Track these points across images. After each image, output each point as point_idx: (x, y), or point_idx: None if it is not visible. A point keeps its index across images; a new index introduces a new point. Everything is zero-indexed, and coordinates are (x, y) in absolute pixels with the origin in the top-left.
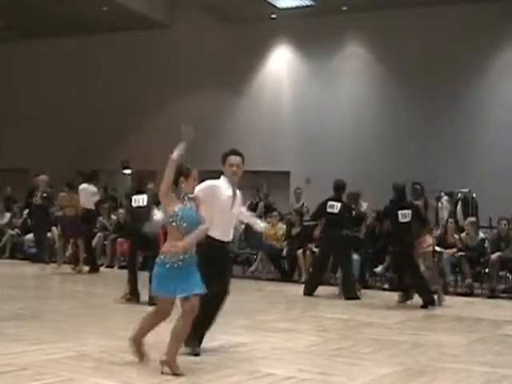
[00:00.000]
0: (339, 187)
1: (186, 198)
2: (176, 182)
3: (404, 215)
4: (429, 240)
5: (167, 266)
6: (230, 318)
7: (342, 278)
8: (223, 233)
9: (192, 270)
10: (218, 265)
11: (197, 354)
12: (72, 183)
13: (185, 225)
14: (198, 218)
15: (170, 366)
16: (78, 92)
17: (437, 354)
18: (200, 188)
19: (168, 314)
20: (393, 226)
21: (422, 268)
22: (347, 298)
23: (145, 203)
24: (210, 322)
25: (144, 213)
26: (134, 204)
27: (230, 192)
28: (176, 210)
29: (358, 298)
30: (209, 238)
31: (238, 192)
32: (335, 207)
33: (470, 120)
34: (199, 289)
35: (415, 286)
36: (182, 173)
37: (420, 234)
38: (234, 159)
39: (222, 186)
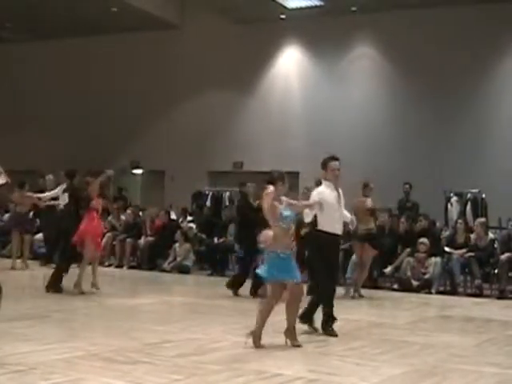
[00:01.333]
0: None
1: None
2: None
3: None
4: None
5: (281, 255)
6: (238, 319)
7: None
8: (336, 227)
9: (294, 261)
10: (330, 256)
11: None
12: (24, 183)
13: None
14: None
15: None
16: (88, 93)
17: (447, 354)
18: (313, 197)
19: (279, 298)
20: None
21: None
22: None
23: None
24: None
25: None
26: None
27: (335, 193)
28: (281, 212)
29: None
30: (324, 232)
31: (340, 191)
32: None
33: (480, 120)
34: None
35: None
36: (276, 179)
37: None
38: (335, 164)
39: (327, 190)
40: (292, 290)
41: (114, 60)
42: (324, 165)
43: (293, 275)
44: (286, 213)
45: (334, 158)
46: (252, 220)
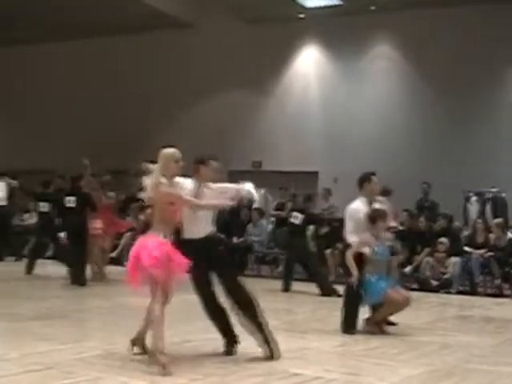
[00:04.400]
0: None
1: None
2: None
3: None
4: None
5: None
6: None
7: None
8: None
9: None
10: None
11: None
12: (50, 182)
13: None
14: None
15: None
16: (105, 93)
17: (465, 354)
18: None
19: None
20: None
21: None
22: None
23: None
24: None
25: None
26: None
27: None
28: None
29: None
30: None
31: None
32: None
33: (500, 119)
34: None
35: None
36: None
37: None
38: (376, 179)
39: (362, 206)
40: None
41: (131, 59)
42: (368, 179)
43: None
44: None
45: (374, 174)
46: None
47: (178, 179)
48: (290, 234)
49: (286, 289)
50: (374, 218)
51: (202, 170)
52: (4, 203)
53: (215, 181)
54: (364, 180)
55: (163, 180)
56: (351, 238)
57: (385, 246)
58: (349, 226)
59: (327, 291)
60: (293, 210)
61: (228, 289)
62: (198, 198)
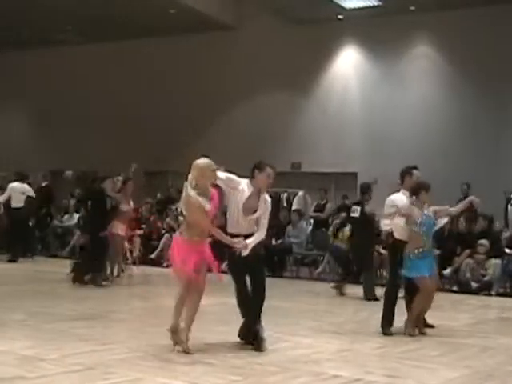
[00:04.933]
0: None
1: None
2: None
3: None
4: None
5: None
6: (297, 320)
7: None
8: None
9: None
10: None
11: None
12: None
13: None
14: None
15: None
16: (144, 94)
17: (506, 357)
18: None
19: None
20: None
21: None
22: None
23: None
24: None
25: None
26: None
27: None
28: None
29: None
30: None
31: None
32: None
33: None
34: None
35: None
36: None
37: None
38: (419, 173)
39: (403, 198)
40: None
41: (172, 61)
42: (409, 173)
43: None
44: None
45: (417, 168)
46: None
47: (234, 177)
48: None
49: None
50: (417, 189)
51: (257, 176)
52: (21, 205)
53: (270, 187)
54: (405, 173)
55: (193, 193)
56: (385, 222)
57: (430, 218)
58: (385, 214)
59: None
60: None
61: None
62: (250, 203)
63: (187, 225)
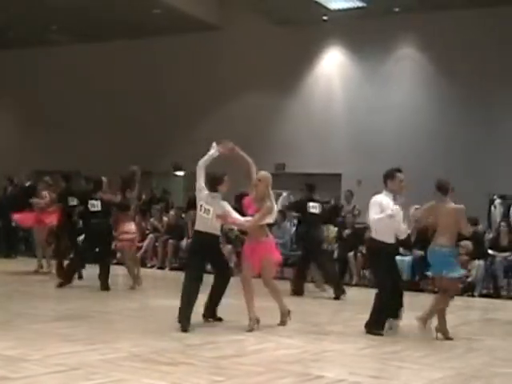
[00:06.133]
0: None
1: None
2: None
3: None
4: None
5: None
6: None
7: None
8: (391, 236)
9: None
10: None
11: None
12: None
13: None
14: None
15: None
16: (130, 94)
17: (490, 358)
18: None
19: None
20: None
21: None
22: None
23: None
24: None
25: None
26: None
27: (392, 203)
28: None
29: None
30: (378, 241)
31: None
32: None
33: None
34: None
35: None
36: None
37: None
38: (402, 176)
39: (386, 199)
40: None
41: (156, 62)
42: (391, 176)
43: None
44: None
45: (400, 170)
46: None
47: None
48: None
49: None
50: (448, 189)
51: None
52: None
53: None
54: (387, 176)
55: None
56: (374, 217)
57: None
58: (370, 213)
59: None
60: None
61: None
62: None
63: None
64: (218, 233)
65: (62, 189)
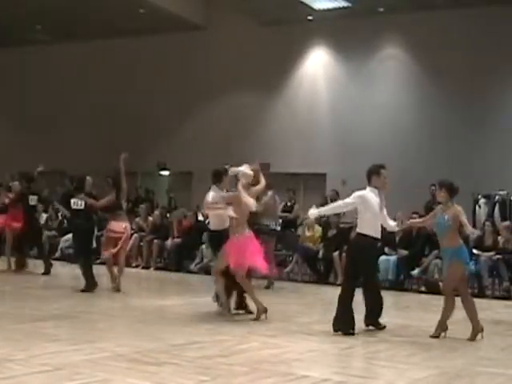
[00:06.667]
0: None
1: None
2: None
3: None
4: None
5: None
6: (265, 320)
7: None
8: (376, 231)
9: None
10: (373, 258)
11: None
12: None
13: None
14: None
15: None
16: (115, 93)
17: (474, 358)
18: (354, 198)
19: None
20: None
21: None
22: None
23: None
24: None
25: None
26: None
27: (377, 199)
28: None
29: None
30: (364, 235)
31: (383, 197)
32: None
33: (508, 122)
34: None
35: None
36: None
37: None
38: (386, 172)
39: (370, 194)
40: None
41: (141, 61)
42: (376, 172)
43: None
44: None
45: (384, 167)
46: None
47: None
48: None
49: None
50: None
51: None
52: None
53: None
54: (372, 173)
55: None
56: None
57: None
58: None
59: None
60: None
61: None
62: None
63: None
64: None
65: (23, 188)
